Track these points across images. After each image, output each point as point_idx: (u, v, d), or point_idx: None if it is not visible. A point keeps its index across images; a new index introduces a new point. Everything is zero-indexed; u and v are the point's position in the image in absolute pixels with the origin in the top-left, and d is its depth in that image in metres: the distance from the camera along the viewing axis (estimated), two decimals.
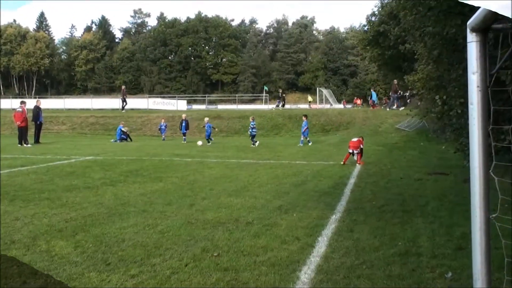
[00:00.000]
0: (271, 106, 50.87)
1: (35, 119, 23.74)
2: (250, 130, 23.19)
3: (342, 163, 14.24)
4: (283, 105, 47.50)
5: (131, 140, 27.19)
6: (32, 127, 24.21)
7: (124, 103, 39.63)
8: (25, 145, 22.05)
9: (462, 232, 6.00)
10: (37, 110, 23.85)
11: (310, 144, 22.60)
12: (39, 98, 39.38)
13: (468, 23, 2.39)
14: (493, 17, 2.23)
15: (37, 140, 23.60)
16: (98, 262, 5.02)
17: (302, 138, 23.25)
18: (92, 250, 5.43)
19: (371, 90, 47.35)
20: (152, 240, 5.82)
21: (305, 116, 24.38)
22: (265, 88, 63.81)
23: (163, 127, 28.87)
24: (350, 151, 14.36)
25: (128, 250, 5.41)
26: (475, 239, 2.47)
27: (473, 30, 2.38)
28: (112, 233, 6.18)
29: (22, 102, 24.02)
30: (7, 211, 7.46)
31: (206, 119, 26.17)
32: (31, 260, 5.05)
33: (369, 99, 47.49)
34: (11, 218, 6.97)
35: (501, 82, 7.02)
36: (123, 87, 44.99)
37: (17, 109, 23.32)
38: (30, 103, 27.09)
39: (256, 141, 22.69)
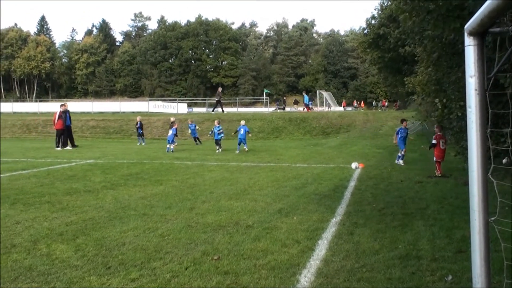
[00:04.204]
0: (271, 109, 50.97)
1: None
2: (216, 135, 21.33)
3: (437, 174, 12.26)
4: (283, 108, 47.61)
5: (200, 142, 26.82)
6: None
7: (219, 105, 39.24)
8: (64, 148, 22.74)
9: (462, 235, 6.00)
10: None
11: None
12: (40, 100, 39.18)
13: (465, 27, 2.40)
14: (490, 21, 2.24)
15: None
16: (98, 265, 5.02)
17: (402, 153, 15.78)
18: (92, 253, 5.44)
19: (304, 94, 48.81)
20: (153, 244, 5.83)
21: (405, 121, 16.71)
22: (265, 91, 63.68)
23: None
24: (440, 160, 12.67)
25: (129, 254, 5.42)
26: (475, 242, 2.47)
27: (471, 34, 2.39)
28: (112, 236, 6.19)
29: (61, 105, 24.31)
30: (8, 215, 7.48)
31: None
32: (32, 264, 5.06)
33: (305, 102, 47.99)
34: (12, 222, 6.99)
35: (500, 85, 7.03)
36: (219, 89, 43.55)
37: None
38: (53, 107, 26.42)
39: (220, 148, 21.12)
